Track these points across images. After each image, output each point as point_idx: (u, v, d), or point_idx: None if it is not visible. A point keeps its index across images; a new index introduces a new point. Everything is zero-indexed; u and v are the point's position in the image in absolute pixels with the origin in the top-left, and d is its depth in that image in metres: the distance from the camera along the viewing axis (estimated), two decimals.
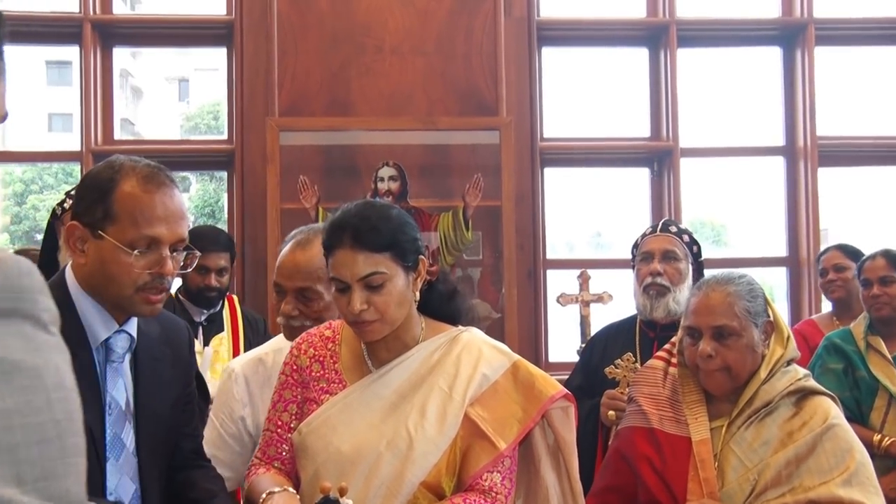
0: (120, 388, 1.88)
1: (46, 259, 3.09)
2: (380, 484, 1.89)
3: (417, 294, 2.00)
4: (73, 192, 2.91)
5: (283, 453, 2.05)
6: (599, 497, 2.39)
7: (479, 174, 4.44)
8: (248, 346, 3.53)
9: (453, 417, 1.94)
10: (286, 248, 2.30)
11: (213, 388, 3.52)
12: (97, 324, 1.86)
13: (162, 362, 1.99)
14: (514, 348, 4.20)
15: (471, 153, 4.48)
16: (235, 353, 3.54)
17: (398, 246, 1.91)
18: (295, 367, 2.08)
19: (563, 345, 4.59)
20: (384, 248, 1.89)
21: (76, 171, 4.70)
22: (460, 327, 2.09)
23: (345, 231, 1.89)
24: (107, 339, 1.87)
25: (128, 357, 1.91)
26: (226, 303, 3.74)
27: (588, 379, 3.20)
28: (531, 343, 4.55)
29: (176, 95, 28.50)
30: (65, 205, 3.11)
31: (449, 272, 2.22)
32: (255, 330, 3.75)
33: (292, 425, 2.04)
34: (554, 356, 4.73)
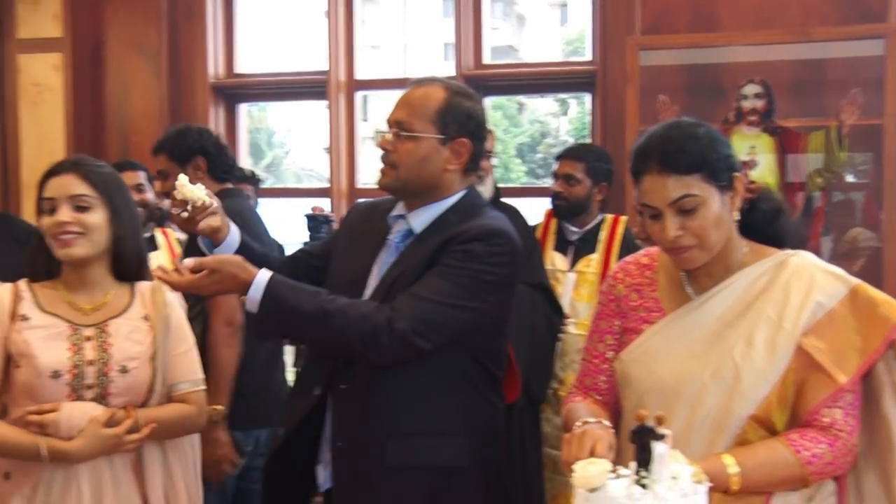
0: (378, 263, 2.24)
1: None
2: (705, 416, 1.83)
3: (736, 214, 1.89)
4: None
5: (600, 384, 2.04)
6: None
7: (858, 89, 4.04)
8: None
9: (784, 348, 1.82)
10: None
11: (576, 310, 3.60)
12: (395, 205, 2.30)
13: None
14: (892, 281, 3.91)
15: (848, 67, 4.07)
16: (603, 277, 3.48)
17: (708, 165, 1.82)
18: (612, 297, 2.06)
19: None
20: (693, 169, 1.81)
21: None
22: (788, 251, 1.94)
23: (650, 156, 1.84)
24: (393, 221, 2.27)
25: (405, 243, 2.22)
26: (607, 222, 3.70)
27: None
28: None
29: (558, 20, 28.98)
30: None
31: (771, 191, 2.07)
32: (630, 253, 3.68)
33: (608, 355, 2.03)
34: None
